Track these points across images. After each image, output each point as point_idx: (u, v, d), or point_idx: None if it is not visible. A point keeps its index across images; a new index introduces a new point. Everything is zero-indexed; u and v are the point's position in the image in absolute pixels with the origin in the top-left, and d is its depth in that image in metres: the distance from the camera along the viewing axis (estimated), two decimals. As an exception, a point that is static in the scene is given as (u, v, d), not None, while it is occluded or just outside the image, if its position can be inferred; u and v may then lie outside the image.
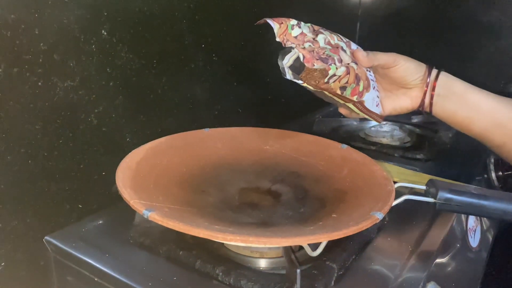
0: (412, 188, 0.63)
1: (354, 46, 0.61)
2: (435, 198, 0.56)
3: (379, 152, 0.90)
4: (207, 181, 0.63)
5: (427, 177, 0.77)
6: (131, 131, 0.73)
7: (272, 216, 0.55)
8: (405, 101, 0.66)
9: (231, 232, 0.44)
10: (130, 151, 0.62)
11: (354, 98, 0.59)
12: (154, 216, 0.45)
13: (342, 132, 1.02)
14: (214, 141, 0.70)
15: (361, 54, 0.60)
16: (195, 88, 0.84)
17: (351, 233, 0.46)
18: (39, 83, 0.59)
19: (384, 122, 1.04)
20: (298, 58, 0.53)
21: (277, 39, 0.54)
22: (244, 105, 0.97)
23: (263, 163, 0.69)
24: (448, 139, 0.96)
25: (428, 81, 0.63)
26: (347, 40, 0.61)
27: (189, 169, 0.64)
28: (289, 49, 0.53)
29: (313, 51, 0.54)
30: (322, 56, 0.54)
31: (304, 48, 0.54)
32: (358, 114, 0.63)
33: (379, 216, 0.49)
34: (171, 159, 0.64)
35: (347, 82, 0.57)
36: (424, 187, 0.61)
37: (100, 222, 0.62)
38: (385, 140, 0.96)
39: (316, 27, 0.58)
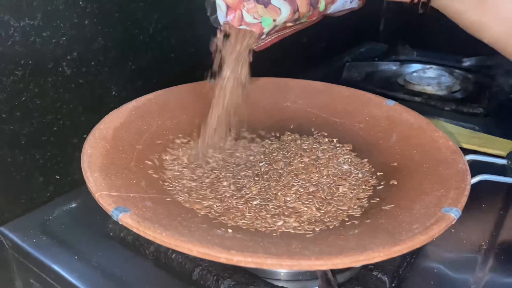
0: (479, 160, 0.47)
1: None
2: (523, 179, 0.41)
3: (425, 105, 0.73)
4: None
5: (490, 138, 0.61)
6: (117, 83, 0.59)
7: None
8: None
9: (240, 248, 0.29)
10: (116, 108, 0.49)
11: (314, 19, 0.44)
12: (127, 220, 0.31)
13: (377, 79, 0.84)
14: (220, 97, 0.55)
15: None
16: (197, 26, 0.68)
17: (418, 246, 0.31)
18: (-17, 22, 0.44)
19: (429, 66, 0.86)
20: None
21: None
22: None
23: (283, 126, 0.53)
24: (509, 87, 0.78)
25: None
26: None
27: (187, 136, 0.49)
28: None
29: None
30: None
31: None
32: None
33: (455, 214, 0.34)
34: (163, 122, 0.49)
35: (298, 17, 0.41)
36: (501, 161, 0.45)
37: (73, 205, 0.48)
38: (430, 89, 0.78)
39: None
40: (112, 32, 0.56)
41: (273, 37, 0.45)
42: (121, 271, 0.39)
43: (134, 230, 0.31)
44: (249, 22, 0.39)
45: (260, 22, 0.39)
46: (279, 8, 0.39)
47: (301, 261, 0.28)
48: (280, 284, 0.37)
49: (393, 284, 0.38)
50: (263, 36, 0.42)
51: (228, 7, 0.39)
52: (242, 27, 0.39)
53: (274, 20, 0.39)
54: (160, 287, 0.38)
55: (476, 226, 0.45)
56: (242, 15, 0.39)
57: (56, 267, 0.40)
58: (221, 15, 0.40)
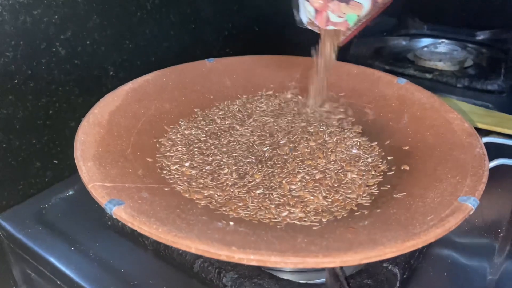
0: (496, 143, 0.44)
1: None
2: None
3: (436, 81, 0.69)
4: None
5: (505, 117, 0.57)
6: (114, 62, 0.57)
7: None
8: None
9: (242, 244, 0.27)
10: (114, 89, 0.47)
11: (387, 1, 0.46)
12: (121, 214, 0.29)
13: (386, 54, 0.81)
14: (220, 77, 0.52)
15: None
16: (197, 2, 0.65)
17: (433, 240, 0.29)
18: (-31, 1, 0.42)
19: (440, 40, 0.82)
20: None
21: None
22: (261, 21, 0.76)
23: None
24: (525, 62, 0.74)
25: None
26: None
27: (187, 119, 0.47)
28: None
29: None
30: None
31: None
32: None
33: (472, 204, 0.31)
34: (162, 105, 0.46)
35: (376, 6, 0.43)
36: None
37: (70, 192, 0.46)
38: (441, 65, 0.75)
39: None
40: (107, 9, 0.53)
41: (354, 29, 0.46)
42: (120, 263, 0.37)
43: (129, 225, 0.29)
44: (334, 21, 0.42)
45: (346, 20, 0.42)
46: (360, 3, 0.41)
47: (307, 259, 0.26)
48: (285, 276, 0.35)
49: (405, 276, 0.36)
50: (349, 32, 0.44)
51: (316, 11, 0.41)
52: (329, 27, 0.42)
53: (358, 15, 0.41)
54: (160, 280, 0.36)
55: (492, 213, 0.43)
56: (328, 16, 0.41)
57: (52, 259, 0.38)
58: (304, 17, 0.43)
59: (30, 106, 0.50)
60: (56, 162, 0.54)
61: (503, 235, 0.40)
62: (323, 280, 0.35)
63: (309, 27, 0.44)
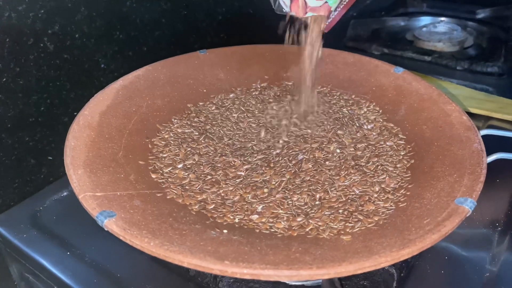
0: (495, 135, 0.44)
1: None
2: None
3: (435, 64, 0.68)
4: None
5: (506, 103, 0.56)
6: (105, 55, 0.56)
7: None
8: None
9: (235, 256, 0.27)
10: (106, 82, 0.47)
11: None
12: (113, 227, 0.29)
13: (384, 35, 0.79)
14: (213, 69, 0.51)
15: None
16: (189, -13, 0.63)
17: (429, 246, 0.28)
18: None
19: (439, 19, 0.80)
20: None
21: None
22: (256, 3, 0.75)
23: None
24: (527, 41, 0.72)
25: None
26: None
27: (179, 116, 0.46)
28: None
29: None
30: None
31: None
32: None
33: (469, 206, 0.31)
34: (153, 102, 0.45)
35: None
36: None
37: (65, 193, 0.46)
38: (440, 45, 0.73)
39: None
40: (96, 0, 0.51)
41: (339, 10, 0.41)
42: (116, 267, 0.37)
43: (121, 238, 0.28)
44: (313, 6, 0.36)
45: (326, 2, 0.36)
46: None
47: (301, 271, 0.26)
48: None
49: (402, 275, 0.36)
50: (332, 14, 0.39)
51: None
52: (309, 14, 0.37)
53: None
54: (156, 284, 0.36)
55: (490, 206, 0.42)
56: (305, 1, 0.36)
57: (47, 265, 0.38)
58: (283, 3, 0.38)
59: (21, 104, 0.49)
60: (51, 158, 0.53)
61: (501, 229, 0.40)
62: (319, 281, 0.35)
63: (293, 14, 0.38)
